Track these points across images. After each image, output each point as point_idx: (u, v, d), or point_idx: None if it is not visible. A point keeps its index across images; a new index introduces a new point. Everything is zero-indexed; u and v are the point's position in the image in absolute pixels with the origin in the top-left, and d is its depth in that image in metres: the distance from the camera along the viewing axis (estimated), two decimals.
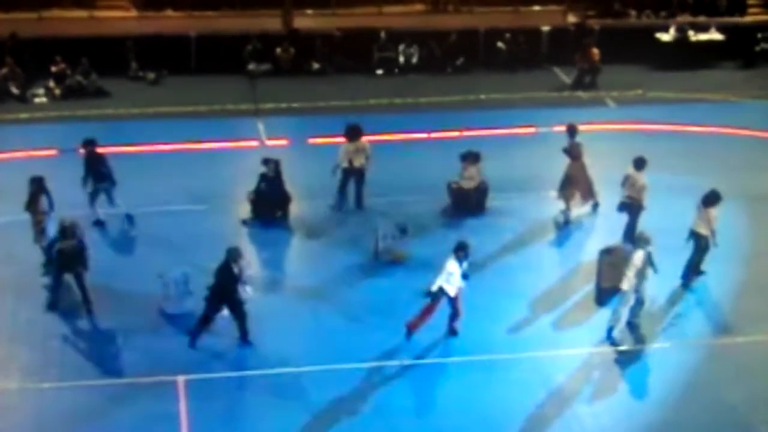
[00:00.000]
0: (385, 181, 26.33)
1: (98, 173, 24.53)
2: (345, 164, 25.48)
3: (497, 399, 18.71)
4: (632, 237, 23.60)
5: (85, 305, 21.14)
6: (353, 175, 25.62)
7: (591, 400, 18.82)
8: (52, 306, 21.26)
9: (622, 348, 20.32)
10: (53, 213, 22.29)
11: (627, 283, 20.24)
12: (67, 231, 20.82)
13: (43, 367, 19.47)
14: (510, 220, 25.29)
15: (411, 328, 20.14)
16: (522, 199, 26.05)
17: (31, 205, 22.50)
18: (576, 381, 19.33)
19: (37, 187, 22.56)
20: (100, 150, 24.74)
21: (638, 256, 20.18)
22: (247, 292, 19.96)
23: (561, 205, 25.36)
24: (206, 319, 19.95)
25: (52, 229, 21.93)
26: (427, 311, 20.06)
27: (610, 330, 20.60)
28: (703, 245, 22.25)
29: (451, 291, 19.87)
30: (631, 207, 23.87)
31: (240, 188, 25.67)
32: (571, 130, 25.47)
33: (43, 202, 22.41)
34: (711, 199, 22.02)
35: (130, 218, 24.63)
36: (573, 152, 25.28)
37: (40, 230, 22.35)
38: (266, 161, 25.04)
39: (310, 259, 23.96)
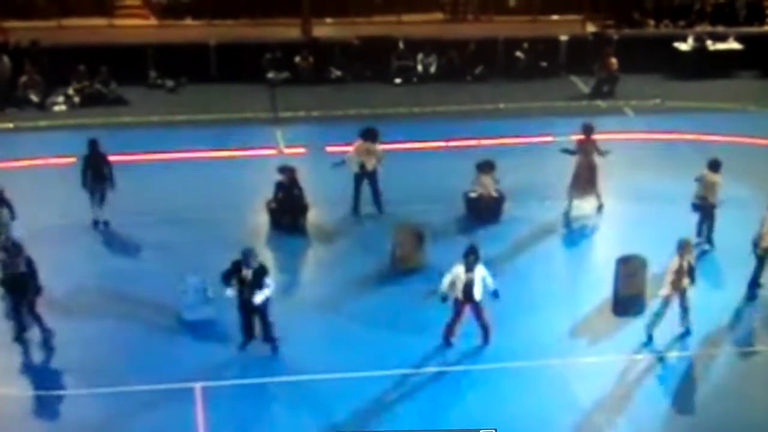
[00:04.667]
0: (402, 189, 26.39)
1: (97, 174, 24.66)
2: (356, 168, 25.58)
3: (514, 407, 18.67)
4: (711, 237, 23.89)
5: (43, 335, 20.64)
6: (365, 178, 25.73)
7: (609, 408, 18.79)
8: (19, 338, 20.60)
9: (640, 357, 20.33)
10: (14, 223, 22.35)
11: (666, 289, 20.30)
12: (10, 252, 20.40)
13: (60, 374, 19.60)
14: (526, 229, 25.29)
15: (447, 335, 20.30)
16: (538, 208, 26.04)
17: None
18: (594, 389, 19.27)
19: None
20: (103, 152, 24.88)
21: (674, 262, 20.26)
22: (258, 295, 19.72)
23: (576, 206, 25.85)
24: (243, 323, 20.03)
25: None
26: (455, 316, 20.15)
27: (649, 336, 20.68)
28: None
29: (459, 294, 19.91)
30: (704, 208, 23.96)
31: (258, 196, 25.75)
32: (587, 129, 25.69)
33: (4, 214, 22.43)
34: None
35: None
36: (585, 149, 25.55)
37: None
38: (282, 169, 25.14)
39: (327, 267, 24.02)
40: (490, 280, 20.03)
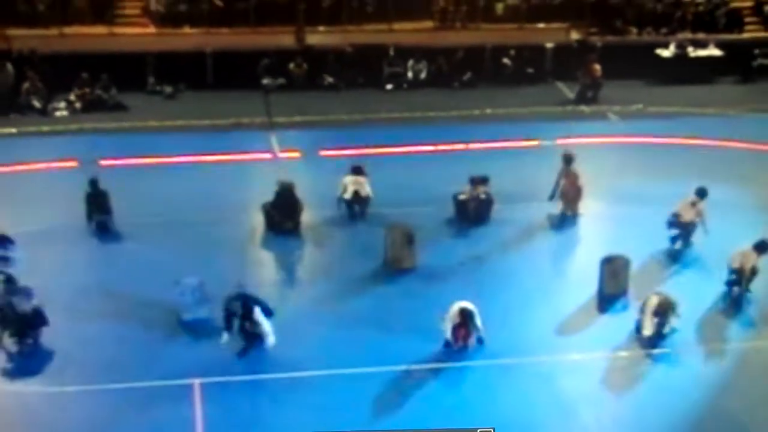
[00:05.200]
0: (393, 192, 26.33)
1: (101, 207, 24.78)
2: (348, 195, 25.57)
3: (503, 403, 18.70)
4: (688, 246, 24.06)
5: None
6: (358, 203, 25.69)
7: (595, 404, 18.81)
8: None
9: (625, 353, 20.35)
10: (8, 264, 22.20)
11: (648, 330, 20.42)
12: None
13: (64, 371, 19.53)
14: (514, 230, 25.28)
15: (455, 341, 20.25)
16: (525, 210, 26.00)
17: None
18: (580, 385, 19.30)
19: None
20: (104, 190, 24.97)
21: (652, 302, 20.44)
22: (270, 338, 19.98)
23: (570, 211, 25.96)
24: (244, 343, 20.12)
25: None
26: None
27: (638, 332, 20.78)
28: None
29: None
30: (678, 225, 24.07)
31: (254, 199, 25.73)
32: (567, 158, 25.74)
33: None
34: (762, 246, 22.19)
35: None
36: (567, 181, 25.65)
37: None
38: (282, 185, 25.10)
39: (322, 267, 23.99)
40: (479, 327, 20.06)
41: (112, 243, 24.52)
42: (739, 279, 22.16)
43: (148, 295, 21.82)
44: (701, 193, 23.97)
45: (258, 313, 19.85)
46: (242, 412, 18.44)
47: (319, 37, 37.26)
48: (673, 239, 24.20)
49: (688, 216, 23.90)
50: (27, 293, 20.54)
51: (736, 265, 22.15)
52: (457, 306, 19.96)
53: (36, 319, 20.26)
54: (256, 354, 19.92)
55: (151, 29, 36.90)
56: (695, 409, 18.71)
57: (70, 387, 19.03)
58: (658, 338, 20.47)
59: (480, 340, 20.13)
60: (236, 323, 19.82)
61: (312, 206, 25.51)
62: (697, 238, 24.08)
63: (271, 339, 19.87)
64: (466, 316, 19.89)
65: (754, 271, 22.10)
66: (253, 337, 19.87)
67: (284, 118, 33.09)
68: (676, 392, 19.19)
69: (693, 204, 23.91)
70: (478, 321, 19.99)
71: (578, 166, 25.76)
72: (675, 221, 24.04)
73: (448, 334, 19.99)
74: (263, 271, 23.91)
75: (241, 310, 19.77)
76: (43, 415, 18.43)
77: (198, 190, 27.17)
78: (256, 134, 31.73)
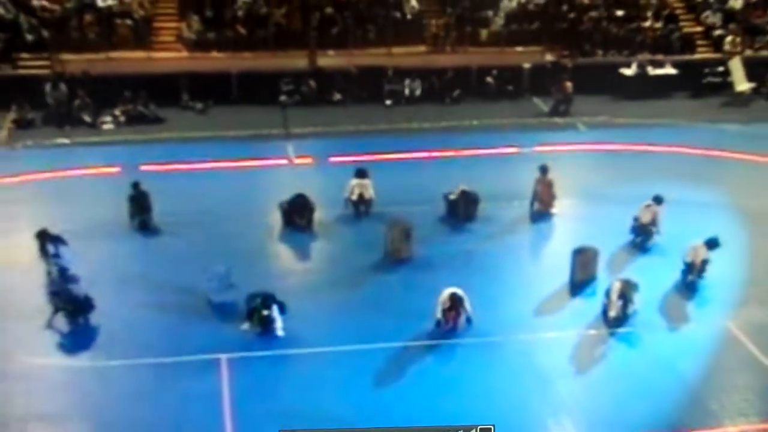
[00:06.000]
0: (393, 193, 26.20)
1: (142, 207, 24.68)
2: (354, 197, 25.46)
3: (488, 375, 18.64)
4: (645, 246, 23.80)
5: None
6: (363, 204, 25.56)
7: (568, 375, 18.74)
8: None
9: (593, 332, 20.25)
10: (61, 260, 21.95)
11: (613, 311, 20.39)
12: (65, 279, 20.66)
13: (109, 348, 19.47)
14: (498, 226, 25.15)
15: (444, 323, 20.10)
16: (507, 208, 25.88)
17: (42, 254, 22.34)
18: (555, 359, 19.21)
19: (43, 238, 22.29)
20: (145, 191, 24.81)
21: (616, 287, 20.45)
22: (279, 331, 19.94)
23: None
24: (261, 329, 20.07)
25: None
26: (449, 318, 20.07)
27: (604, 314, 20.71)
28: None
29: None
30: (638, 228, 23.93)
31: (272, 199, 25.63)
32: (543, 168, 25.59)
33: (50, 249, 22.22)
34: (712, 243, 22.05)
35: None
36: (543, 187, 25.51)
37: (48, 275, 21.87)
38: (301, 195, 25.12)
39: (330, 258, 23.88)
40: (467, 308, 19.99)
41: (151, 238, 24.40)
42: (692, 270, 22.08)
43: (182, 282, 21.76)
44: (657, 200, 23.92)
45: (274, 310, 19.82)
46: (263, 383, 18.37)
47: (328, 59, 37.13)
48: (635, 239, 24.07)
49: (645, 218, 23.84)
50: (75, 280, 20.54)
51: (688, 259, 22.09)
52: (447, 291, 19.90)
53: (87, 303, 20.21)
54: (274, 334, 19.83)
55: (184, 53, 36.76)
56: (654, 379, 18.64)
57: (115, 361, 18.98)
58: (622, 319, 20.42)
59: (468, 321, 20.04)
60: (256, 316, 19.79)
61: (323, 206, 25.41)
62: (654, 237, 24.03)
63: (280, 333, 19.81)
64: (455, 300, 19.81)
65: (705, 263, 22.01)
66: (267, 328, 19.82)
67: (299, 129, 32.96)
68: (639, 365, 19.15)
69: (648, 206, 23.85)
70: (467, 304, 19.92)
71: (552, 173, 25.66)
72: (636, 225, 23.94)
73: (439, 316, 19.89)
74: (280, 261, 23.84)
75: (260, 306, 19.77)
76: (92, 385, 18.41)
77: (225, 192, 27.07)
78: (274, 143, 31.59)
